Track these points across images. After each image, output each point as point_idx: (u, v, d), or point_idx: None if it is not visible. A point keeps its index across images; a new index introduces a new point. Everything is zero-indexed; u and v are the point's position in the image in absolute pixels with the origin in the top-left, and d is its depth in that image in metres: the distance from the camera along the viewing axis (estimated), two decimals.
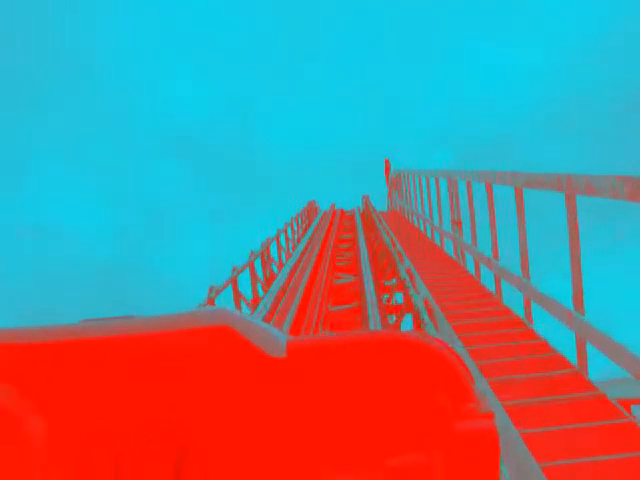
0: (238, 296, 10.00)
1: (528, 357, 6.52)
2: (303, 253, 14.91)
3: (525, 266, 7.83)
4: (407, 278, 7.21)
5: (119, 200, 54.25)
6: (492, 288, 9.71)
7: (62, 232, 49.44)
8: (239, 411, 1.21)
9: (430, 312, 5.85)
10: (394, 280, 9.96)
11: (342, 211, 26.43)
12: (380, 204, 27.33)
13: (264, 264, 13.03)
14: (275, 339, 1.22)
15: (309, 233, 19.27)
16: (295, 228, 19.89)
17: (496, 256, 9.51)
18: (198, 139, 58.81)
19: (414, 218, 21.00)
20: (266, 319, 8.17)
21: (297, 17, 64.14)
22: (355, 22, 66.71)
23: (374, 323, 6.87)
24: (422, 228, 18.35)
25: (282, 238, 16.22)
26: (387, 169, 31.86)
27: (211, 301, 8.34)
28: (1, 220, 47.75)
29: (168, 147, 58.28)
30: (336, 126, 63.58)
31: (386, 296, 10.74)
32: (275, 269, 14.04)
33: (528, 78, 61.37)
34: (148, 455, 1.20)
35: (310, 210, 24.94)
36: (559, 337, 6.80)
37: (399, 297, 10.38)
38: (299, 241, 18.74)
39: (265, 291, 11.14)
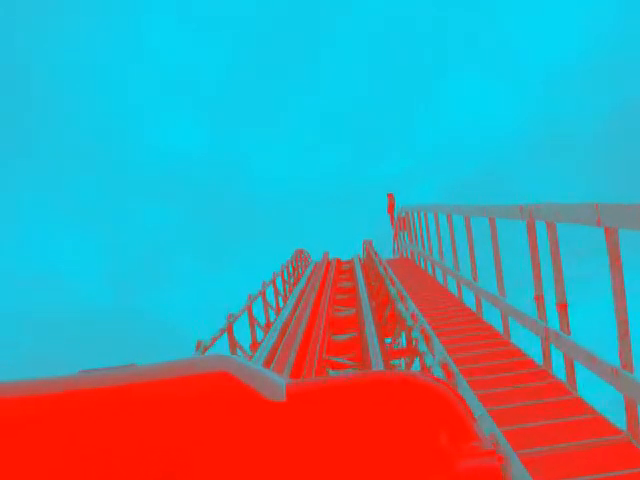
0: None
1: None
2: (279, 343, 9.38)
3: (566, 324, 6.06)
4: None
5: (113, 245, 52.55)
6: None
7: (58, 280, 47.53)
8: (240, 457, 1.19)
9: None
10: None
11: (338, 262, 20.61)
12: (381, 247, 21.59)
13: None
14: (274, 383, 1.22)
15: (294, 296, 13.92)
16: (275, 292, 14.63)
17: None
18: (189, 180, 56.27)
19: (432, 268, 15.46)
20: None
21: (287, 52, 60.70)
22: (346, 56, 63.41)
23: None
24: (455, 290, 12.72)
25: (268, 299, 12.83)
26: (391, 206, 25.78)
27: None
28: None
29: (160, 190, 56.77)
30: (324, 162, 59.45)
31: None
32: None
33: (517, 107, 57.75)
34: None
35: (296, 263, 19.39)
36: None
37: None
38: (279, 311, 13.55)
39: None
